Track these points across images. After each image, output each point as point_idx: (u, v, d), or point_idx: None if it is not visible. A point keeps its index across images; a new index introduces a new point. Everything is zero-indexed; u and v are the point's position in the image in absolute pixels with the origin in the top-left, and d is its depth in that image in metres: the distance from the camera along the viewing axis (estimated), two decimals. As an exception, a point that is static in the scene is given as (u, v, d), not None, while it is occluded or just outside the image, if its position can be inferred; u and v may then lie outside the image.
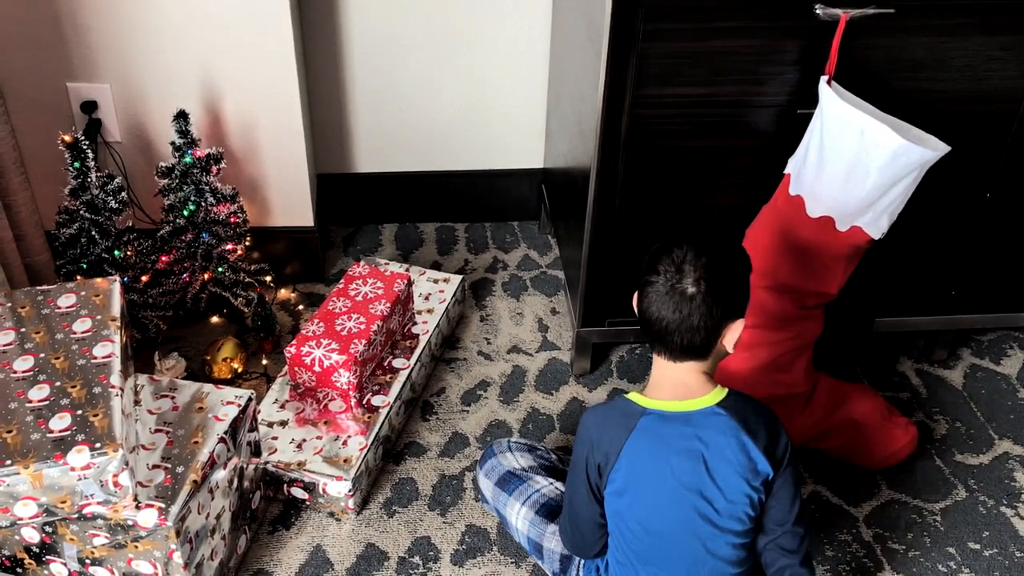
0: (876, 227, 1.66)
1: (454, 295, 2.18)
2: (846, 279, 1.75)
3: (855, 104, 1.58)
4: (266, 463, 1.76)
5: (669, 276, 1.32)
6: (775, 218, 1.74)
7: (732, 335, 1.36)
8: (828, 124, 1.60)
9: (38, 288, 1.60)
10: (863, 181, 1.58)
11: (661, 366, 1.39)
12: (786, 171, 1.73)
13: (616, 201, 1.83)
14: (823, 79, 1.62)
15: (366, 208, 2.53)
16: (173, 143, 1.97)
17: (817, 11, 1.62)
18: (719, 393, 1.37)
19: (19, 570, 1.54)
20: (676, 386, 1.38)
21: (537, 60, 2.33)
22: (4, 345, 1.49)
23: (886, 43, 1.68)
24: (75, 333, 1.51)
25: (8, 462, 1.31)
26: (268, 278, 2.22)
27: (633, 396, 1.40)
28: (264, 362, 2.09)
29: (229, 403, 1.60)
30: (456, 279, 2.23)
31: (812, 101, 1.66)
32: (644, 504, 1.39)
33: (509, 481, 1.66)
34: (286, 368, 1.93)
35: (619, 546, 1.45)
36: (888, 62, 1.70)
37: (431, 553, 1.74)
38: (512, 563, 1.72)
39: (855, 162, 1.57)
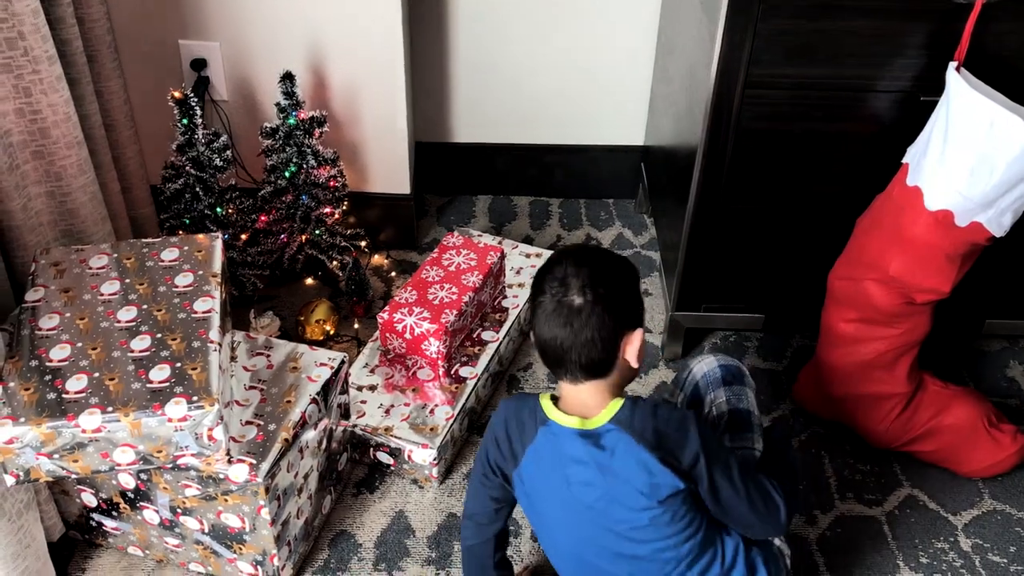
0: (998, 224, 1.57)
1: (546, 270, 2.16)
2: (960, 277, 1.66)
3: (985, 93, 1.49)
4: (354, 426, 1.77)
5: (555, 292, 1.26)
6: (889, 209, 1.66)
7: (632, 347, 1.28)
8: (955, 113, 1.52)
9: (143, 240, 1.63)
10: (989, 175, 1.50)
11: (564, 388, 1.33)
12: (904, 160, 1.65)
13: (722, 183, 1.77)
14: (952, 65, 1.54)
15: (461, 178, 2.52)
16: (278, 104, 1.98)
17: (952, -8, 1.54)
18: (614, 406, 1.29)
19: (114, 513, 1.58)
20: (578, 406, 1.31)
21: (643, 34, 2.27)
22: (109, 295, 1.52)
23: (1023, 29, 1.58)
24: (177, 287, 1.53)
25: (110, 409, 1.34)
26: (363, 243, 2.23)
27: (543, 400, 1.34)
28: (355, 326, 2.11)
29: (322, 364, 1.61)
30: (548, 255, 2.20)
31: (937, 88, 1.58)
32: (546, 520, 1.38)
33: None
34: (377, 333, 1.94)
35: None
36: (1024, 49, 1.61)
37: (512, 528, 1.73)
38: None
39: (982, 155, 1.49)
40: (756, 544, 1.40)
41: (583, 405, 1.31)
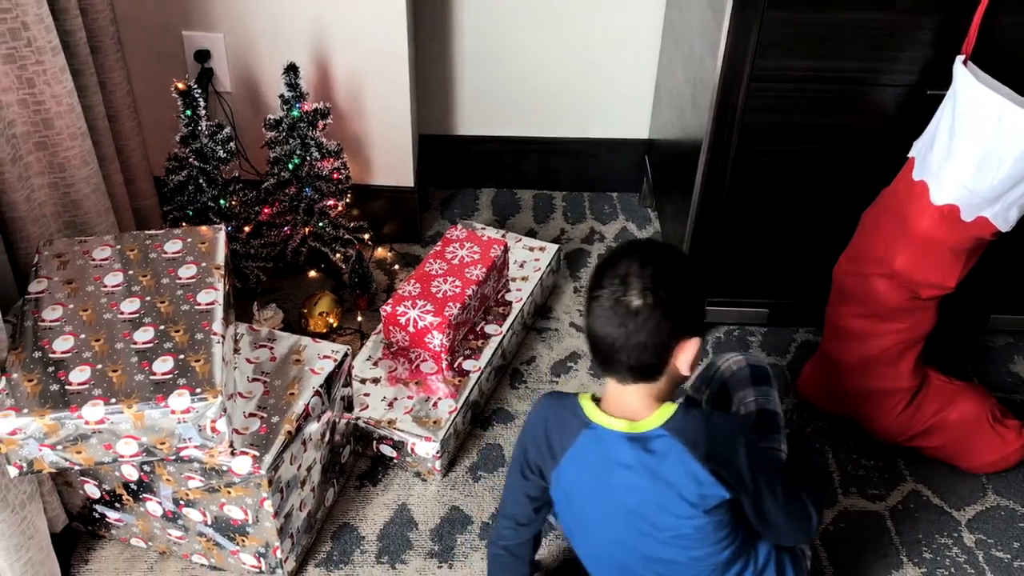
0: (1004, 220, 1.57)
1: (549, 264, 2.15)
2: (966, 272, 1.66)
3: (993, 87, 1.48)
4: (357, 419, 1.77)
5: (614, 290, 1.21)
6: (895, 203, 1.65)
7: (686, 355, 1.24)
8: (962, 107, 1.51)
9: (146, 232, 1.62)
10: (996, 170, 1.49)
11: (610, 387, 1.29)
12: (910, 154, 1.64)
13: (726, 176, 1.77)
14: (959, 59, 1.53)
15: (465, 171, 2.52)
16: (282, 96, 1.98)
17: (959, -15, 1.53)
18: (664, 413, 1.26)
19: (117, 505, 1.58)
20: (624, 407, 1.28)
21: (649, 27, 2.27)
22: (113, 286, 1.52)
23: (1031, 23, 1.58)
24: (180, 279, 1.53)
25: (113, 400, 1.33)
26: (366, 236, 2.22)
27: (584, 402, 1.31)
28: (359, 319, 2.10)
29: (326, 357, 1.61)
30: (552, 248, 2.20)
31: (944, 82, 1.57)
32: (586, 523, 1.35)
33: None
34: (380, 326, 1.94)
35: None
36: (1031, 43, 1.60)
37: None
38: None
39: (989, 149, 1.48)
40: (784, 547, 1.40)
41: (629, 407, 1.28)
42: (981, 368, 2.04)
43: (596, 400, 1.31)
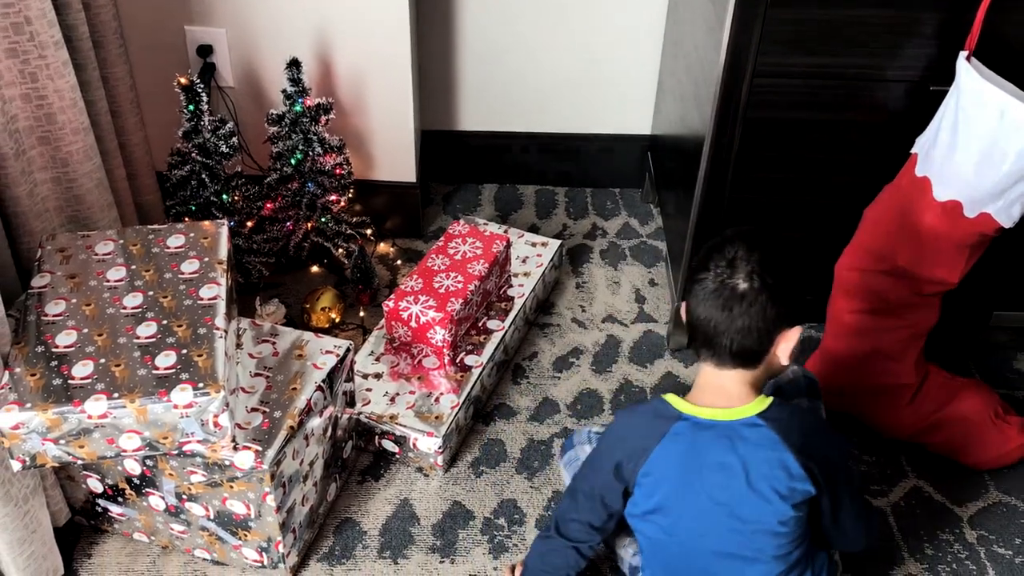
0: (1007, 215, 1.56)
1: (551, 260, 2.15)
2: (969, 268, 1.66)
3: (996, 83, 1.48)
4: (359, 414, 1.77)
5: (719, 272, 1.22)
6: (898, 199, 1.65)
7: (787, 344, 1.25)
8: (964, 103, 1.51)
9: (149, 227, 1.63)
10: (999, 165, 1.49)
11: (706, 372, 1.30)
12: (913, 150, 1.64)
13: (729, 173, 1.77)
14: (962, 55, 1.53)
15: (467, 167, 2.52)
16: (284, 91, 1.98)
17: (962, -19, 1.53)
18: (762, 403, 1.27)
19: (120, 499, 1.59)
20: (718, 394, 1.28)
21: (651, 22, 2.26)
22: (115, 281, 1.52)
23: (1034, 18, 1.58)
24: (183, 273, 1.53)
25: (116, 395, 1.34)
26: (368, 231, 2.22)
27: (670, 398, 1.31)
28: (361, 314, 2.11)
29: (328, 352, 1.61)
30: (554, 244, 2.20)
31: (947, 78, 1.57)
32: (670, 515, 1.33)
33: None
34: (383, 321, 1.94)
35: (647, 555, 1.40)
36: (1035, 39, 1.59)
37: (516, 516, 1.73)
38: (597, 533, 1.71)
39: (992, 145, 1.48)
40: (828, 557, 1.41)
41: (724, 392, 1.28)
42: (983, 365, 2.04)
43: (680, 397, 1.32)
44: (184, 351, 1.40)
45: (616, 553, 1.58)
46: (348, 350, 1.64)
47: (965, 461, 1.82)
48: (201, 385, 1.35)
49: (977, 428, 1.79)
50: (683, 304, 1.30)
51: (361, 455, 1.82)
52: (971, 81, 1.49)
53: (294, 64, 1.95)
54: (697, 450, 1.28)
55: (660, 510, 1.34)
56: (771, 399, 1.27)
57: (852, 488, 1.32)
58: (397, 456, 1.80)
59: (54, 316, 1.45)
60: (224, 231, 1.62)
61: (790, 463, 1.24)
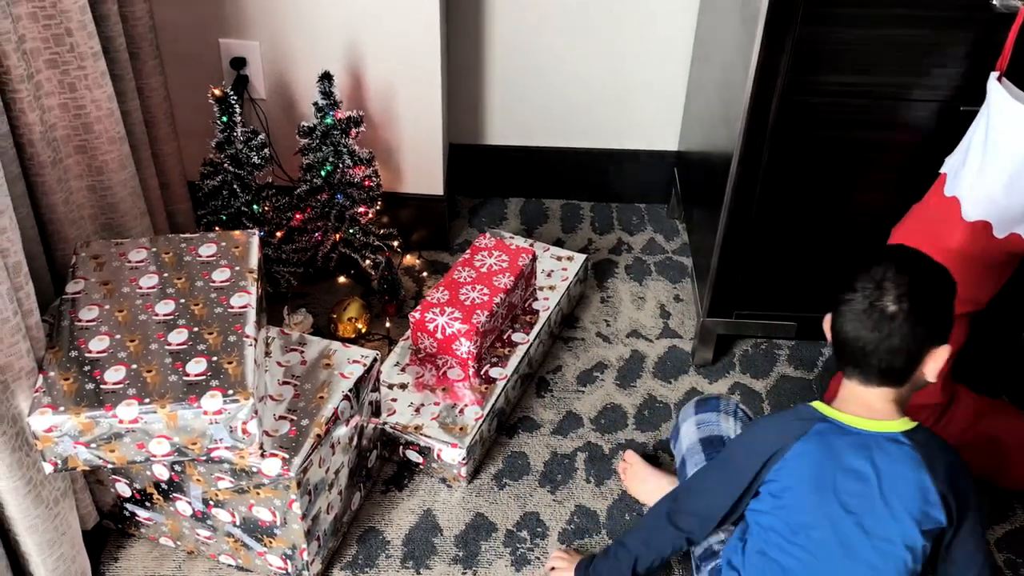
0: (1038, 236, 1.56)
1: (577, 274, 2.16)
2: (998, 288, 1.65)
3: (1027, 103, 1.48)
4: (384, 424, 1.78)
5: (868, 294, 1.25)
6: (926, 219, 1.65)
7: (935, 363, 1.27)
8: (995, 123, 1.50)
9: (181, 236, 1.65)
10: (1029, 186, 1.48)
11: (850, 387, 1.32)
12: (942, 170, 1.64)
13: (757, 189, 1.77)
14: (993, 75, 1.52)
15: (494, 180, 2.53)
16: (316, 103, 2.00)
17: (994, 1, 1.52)
18: (907, 422, 1.29)
19: (148, 504, 1.60)
20: (862, 406, 1.31)
21: (679, 39, 2.27)
22: (148, 288, 1.54)
23: (1066, 39, 1.57)
24: (214, 282, 1.55)
25: (147, 400, 1.36)
26: (396, 243, 2.24)
27: (815, 403, 1.34)
28: (387, 325, 2.12)
29: (355, 362, 1.63)
30: (580, 258, 2.20)
31: (978, 98, 1.57)
32: (796, 513, 1.31)
33: (717, 448, 1.58)
34: (409, 332, 1.95)
35: (762, 552, 1.37)
36: (1066, 60, 1.59)
37: (539, 529, 1.73)
38: (620, 548, 1.70)
39: (1022, 165, 1.47)
40: None
41: (868, 407, 1.30)
42: (1012, 386, 2.02)
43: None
44: (214, 358, 1.42)
45: None
46: (375, 360, 1.65)
47: (994, 482, 1.80)
48: (231, 392, 1.37)
49: (1007, 449, 1.78)
50: (826, 319, 1.33)
51: (385, 465, 1.83)
52: (1002, 101, 1.49)
53: (326, 77, 1.97)
54: (834, 453, 1.29)
55: (787, 509, 1.32)
56: (917, 423, 1.29)
57: (982, 529, 1.31)
58: (421, 467, 1.81)
59: (87, 322, 1.47)
60: (255, 240, 1.64)
61: (928, 488, 1.25)
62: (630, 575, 1.49)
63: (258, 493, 1.49)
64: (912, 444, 1.26)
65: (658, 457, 1.87)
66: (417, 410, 1.82)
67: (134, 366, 1.40)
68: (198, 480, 1.52)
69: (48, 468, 1.39)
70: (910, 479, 1.25)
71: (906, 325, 1.23)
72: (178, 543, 1.66)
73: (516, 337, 1.98)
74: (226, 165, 1.97)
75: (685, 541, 1.47)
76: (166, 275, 1.57)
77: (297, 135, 2.05)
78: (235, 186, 1.99)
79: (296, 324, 2.04)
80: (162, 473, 1.54)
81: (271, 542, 1.56)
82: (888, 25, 1.58)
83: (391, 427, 1.78)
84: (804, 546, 1.31)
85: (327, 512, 1.59)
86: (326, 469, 1.55)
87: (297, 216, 2.13)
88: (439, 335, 1.89)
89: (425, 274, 2.28)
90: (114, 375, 1.39)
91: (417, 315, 1.90)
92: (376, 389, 1.70)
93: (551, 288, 2.12)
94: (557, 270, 2.17)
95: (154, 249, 1.62)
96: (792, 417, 1.35)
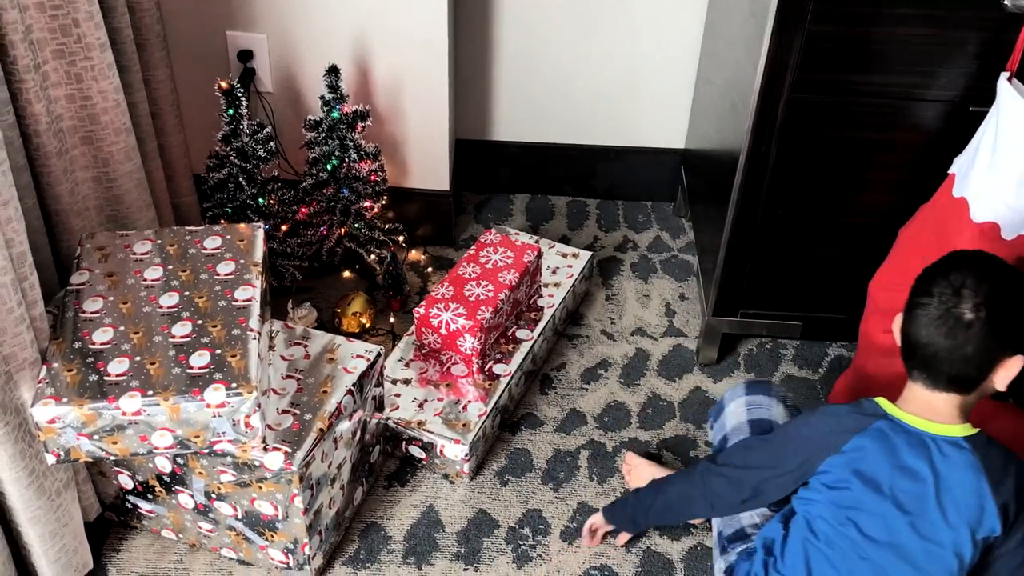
0: (1046, 238, 1.55)
1: (582, 271, 2.16)
2: (1005, 290, 1.64)
3: (1038, 104, 1.47)
4: (387, 419, 1.78)
5: (944, 300, 1.23)
6: (933, 220, 1.64)
7: (1007, 372, 1.25)
8: (1005, 124, 1.49)
9: (186, 228, 1.65)
10: (1038, 187, 1.47)
11: (915, 390, 1.30)
12: (951, 171, 1.63)
13: (764, 187, 1.76)
14: (1003, 75, 1.52)
15: (500, 177, 2.53)
16: (322, 97, 2.00)
17: (1005, 1, 1.51)
18: (969, 428, 1.27)
19: (150, 496, 1.60)
20: (925, 408, 1.29)
21: (687, 37, 2.27)
22: (152, 280, 1.54)
23: (1078, 40, 1.56)
24: (219, 275, 1.55)
25: (150, 392, 1.35)
26: (401, 238, 2.24)
27: (879, 399, 1.33)
28: (391, 320, 2.12)
29: (359, 356, 1.62)
30: (585, 255, 2.20)
31: (987, 98, 1.56)
32: (848, 506, 1.29)
33: (763, 430, 1.56)
34: (413, 328, 1.95)
35: (807, 540, 1.35)
36: (1078, 61, 1.58)
37: (541, 527, 1.73)
38: (622, 546, 1.70)
39: (1032, 166, 1.47)
40: None
41: (932, 410, 1.29)
42: (1020, 389, 2.01)
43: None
44: (218, 351, 1.42)
45: None
46: (379, 355, 1.65)
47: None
48: (234, 385, 1.37)
49: (1016, 451, 1.77)
50: (896, 320, 1.31)
51: (388, 460, 1.83)
52: (1012, 102, 1.48)
53: (333, 71, 1.97)
54: (892, 450, 1.28)
55: (838, 501, 1.31)
56: (979, 430, 1.28)
57: None
58: (423, 462, 1.81)
59: (91, 313, 1.47)
60: (260, 234, 1.63)
61: (986, 496, 1.24)
62: (645, 518, 1.53)
63: (260, 487, 1.49)
64: (973, 449, 1.25)
65: (661, 456, 1.87)
66: (420, 406, 1.81)
67: (137, 358, 1.40)
68: (200, 473, 1.52)
69: (51, 459, 1.39)
70: (967, 485, 1.24)
71: (982, 334, 1.22)
72: (180, 536, 1.66)
73: (520, 334, 1.98)
74: (232, 158, 1.97)
75: (708, 506, 1.46)
76: (170, 267, 1.56)
77: (303, 129, 2.05)
78: (241, 179, 1.99)
79: (300, 318, 2.04)
80: (164, 466, 1.54)
81: (273, 536, 1.56)
82: (898, 24, 1.58)
83: (394, 422, 1.78)
84: (853, 539, 1.30)
85: (329, 507, 1.59)
86: (328, 464, 1.54)
87: (302, 210, 2.13)
88: (443, 331, 1.89)
89: (430, 269, 2.28)
90: (117, 367, 1.39)
91: (421, 310, 1.89)
92: (380, 384, 1.70)
93: (556, 285, 2.11)
94: (562, 267, 2.16)
95: (159, 241, 1.62)
96: (853, 411, 1.33)
